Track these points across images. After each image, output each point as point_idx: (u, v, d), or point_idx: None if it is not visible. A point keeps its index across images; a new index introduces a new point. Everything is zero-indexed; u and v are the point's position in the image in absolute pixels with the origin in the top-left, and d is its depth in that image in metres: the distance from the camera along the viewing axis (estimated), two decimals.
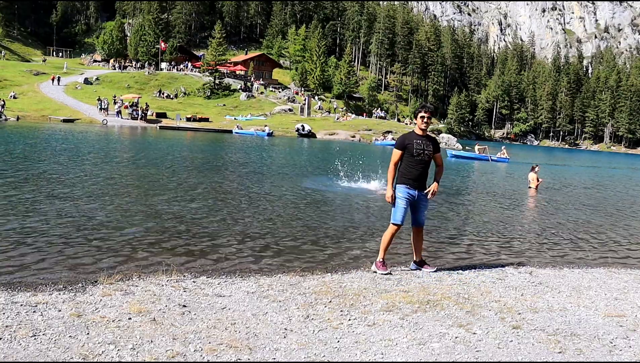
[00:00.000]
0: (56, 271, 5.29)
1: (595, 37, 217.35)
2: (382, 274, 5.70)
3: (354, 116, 71.23)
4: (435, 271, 5.99)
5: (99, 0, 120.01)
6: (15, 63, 74.25)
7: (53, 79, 62.34)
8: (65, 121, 44.03)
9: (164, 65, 79.32)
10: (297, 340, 3.69)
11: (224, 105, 64.04)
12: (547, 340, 3.93)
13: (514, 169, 28.10)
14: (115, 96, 54.95)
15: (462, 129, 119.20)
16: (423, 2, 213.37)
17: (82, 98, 55.06)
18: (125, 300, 4.36)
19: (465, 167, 27.14)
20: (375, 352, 3.56)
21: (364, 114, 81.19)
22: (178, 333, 3.70)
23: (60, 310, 4.01)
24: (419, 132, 5.87)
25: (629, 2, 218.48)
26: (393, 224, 5.80)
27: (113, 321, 3.84)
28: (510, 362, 3.54)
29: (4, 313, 3.87)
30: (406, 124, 76.64)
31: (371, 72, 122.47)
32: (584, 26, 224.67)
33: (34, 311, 3.94)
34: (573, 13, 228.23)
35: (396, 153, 5.83)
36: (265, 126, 49.60)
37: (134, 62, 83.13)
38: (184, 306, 4.29)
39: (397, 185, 5.86)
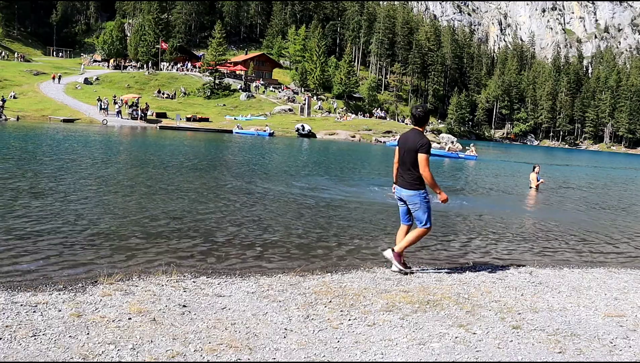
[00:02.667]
0: (56, 271, 5.29)
1: (595, 37, 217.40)
2: (403, 270, 5.75)
3: (353, 116, 71.24)
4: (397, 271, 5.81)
5: (99, 0, 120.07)
6: (16, 63, 74.27)
7: (54, 78, 62.58)
8: (65, 121, 44.03)
9: (163, 65, 79.32)
10: (297, 340, 3.69)
11: (224, 105, 64.05)
12: (547, 340, 3.93)
13: (482, 167, 28.66)
14: (115, 96, 54.97)
15: (462, 129, 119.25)
16: (423, 2, 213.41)
17: (82, 98, 55.07)
18: (125, 300, 4.36)
19: (438, 164, 27.21)
20: (375, 352, 3.56)
21: (370, 115, 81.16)
22: (178, 333, 3.70)
23: (60, 310, 4.01)
24: None
25: (629, 2, 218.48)
26: (428, 228, 5.74)
27: (113, 321, 3.84)
28: (510, 362, 3.54)
29: (4, 313, 3.87)
30: (406, 124, 76.65)
31: (371, 72, 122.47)
32: (584, 26, 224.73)
33: (34, 312, 3.94)
34: (573, 13, 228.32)
35: (428, 159, 5.67)
36: (267, 125, 49.59)
37: (133, 62, 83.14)
38: (184, 306, 4.29)
39: (425, 191, 5.76)
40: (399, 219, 6.06)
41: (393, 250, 5.81)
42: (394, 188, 5.99)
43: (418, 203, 5.71)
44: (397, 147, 5.91)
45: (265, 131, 47.09)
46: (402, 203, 5.88)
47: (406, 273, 5.76)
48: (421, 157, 5.56)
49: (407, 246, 5.86)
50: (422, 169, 5.55)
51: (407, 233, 5.86)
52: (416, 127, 5.85)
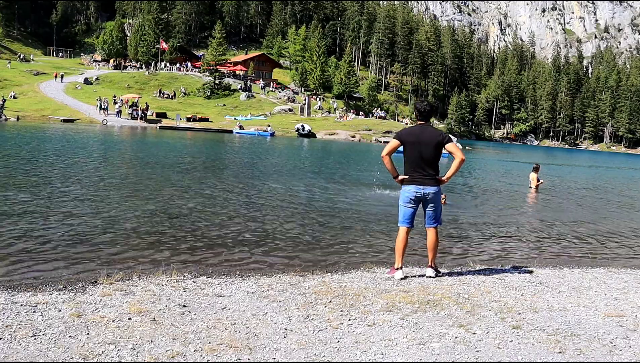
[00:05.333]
0: (56, 271, 5.29)
1: (595, 37, 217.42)
2: (439, 274, 5.80)
3: (353, 116, 71.22)
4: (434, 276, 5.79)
5: (99, 0, 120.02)
6: (16, 63, 74.22)
7: (56, 76, 62.95)
8: (65, 121, 44.04)
9: (163, 65, 79.33)
10: (297, 340, 3.69)
11: (224, 105, 64.04)
12: (547, 340, 3.93)
13: (481, 166, 28.95)
14: (115, 96, 54.97)
15: (462, 129, 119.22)
16: (423, 2, 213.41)
17: (82, 98, 55.07)
18: (125, 300, 4.36)
19: None
20: (375, 352, 3.56)
21: (366, 115, 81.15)
22: (178, 333, 3.70)
23: (60, 310, 4.01)
24: None
25: (629, 2, 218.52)
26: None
27: (113, 321, 3.84)
28: (510, 362, 3.54)
29: (4, 313, 3.87)
30: (406, 124, 76.63)
31: (371, 72, 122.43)
32: (584, 26, 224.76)
33: (34, 312, 3.94)
34: (573, 13, 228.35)
35: None
36: (268, 125, 49.56)
37: (133, 62, 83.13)
38: (184, 306, 4.30)
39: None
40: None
41: (432, 267, 5.75)
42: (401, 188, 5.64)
43: (438, 200, 5.63)
44: (405, 145, 5.51)
45: (266, 131, 47.06)
46: (415, 204, 5.54)
47: (440, 274, 5.79)
48: (452, 145, 5.49)
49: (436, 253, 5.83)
50: (462, 153, 5.47)
51: (408, 235, 5.65)
52: (422, 123, 5.64)
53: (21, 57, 79.83)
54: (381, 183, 14.34)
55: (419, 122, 5.69)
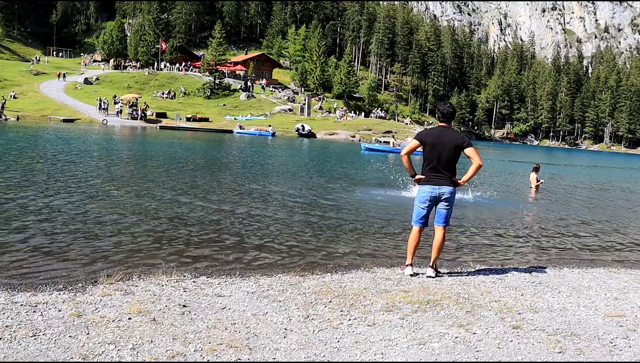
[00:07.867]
0: (56, 271, 5.29)
1: (595, 37, 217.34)
2: (439, 274, 5.83)
3: (353, 115, 71.19)
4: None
5: (99, 0, 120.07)
6: (16, 63, 74.23)
7: (59, 75, 63.57)
8: (65, 121, 44.05)
9: (163, 65, 79.32)
10: (297, 340, 3.69)
11: (224, 105, 64.05)
12: (547, 340, 3.93)
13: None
14: (115, 96, 54.98)
15: (462, 129, 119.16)
16: (423, 2, 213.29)
17: (82, 98, 55.07)
18: (125, 300, 4.37)
19: (382, 159, 27.24)
20: (375, 352, 3.56)
21: (367, 115, 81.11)
22: (178, 333, 3.70)
23: (60, 310, 4.01)
24: None
25: (629, 2, 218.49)
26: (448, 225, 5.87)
27: (113, 321, 3.84)
28: (510, 362, 3.54)
29: (4, 313, 3.87)
30: (406, 124, 76.55)
31: (371, 72, 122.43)
32: (584, 26, 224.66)
33: (34, 311, 3.94)
34: (573, 13, 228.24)
35: None
36: (269, 125, 49.61)
37: (133, 62, 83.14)
38: (184, 306, 4.30)
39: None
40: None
41: (432, 267, 5.77)
42: (415, 186, 5.80)
43: (453, 200, 5.70)
44: (424, 146, 5.62)
45: (268, 131, 47.15)
46: (430, 203, 5.66)
47: (440, 274, 5.81)
48: (471, 150, 5.55)
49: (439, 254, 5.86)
50: (479, 159, 5.53)
51: (420, 234, 5.77)
52: (444, 125, 5.68)
53: (37, 58, 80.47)
54: (382, 183, 14.34)
55: (440, 124, 5.76)
